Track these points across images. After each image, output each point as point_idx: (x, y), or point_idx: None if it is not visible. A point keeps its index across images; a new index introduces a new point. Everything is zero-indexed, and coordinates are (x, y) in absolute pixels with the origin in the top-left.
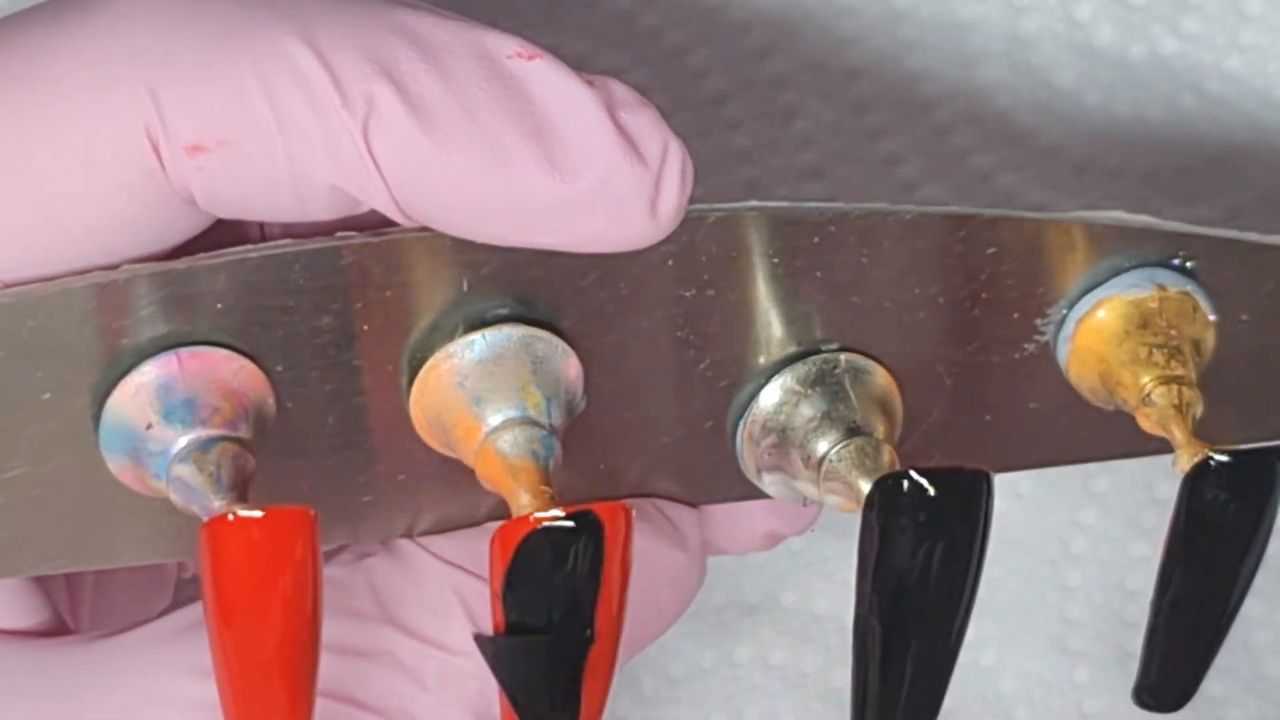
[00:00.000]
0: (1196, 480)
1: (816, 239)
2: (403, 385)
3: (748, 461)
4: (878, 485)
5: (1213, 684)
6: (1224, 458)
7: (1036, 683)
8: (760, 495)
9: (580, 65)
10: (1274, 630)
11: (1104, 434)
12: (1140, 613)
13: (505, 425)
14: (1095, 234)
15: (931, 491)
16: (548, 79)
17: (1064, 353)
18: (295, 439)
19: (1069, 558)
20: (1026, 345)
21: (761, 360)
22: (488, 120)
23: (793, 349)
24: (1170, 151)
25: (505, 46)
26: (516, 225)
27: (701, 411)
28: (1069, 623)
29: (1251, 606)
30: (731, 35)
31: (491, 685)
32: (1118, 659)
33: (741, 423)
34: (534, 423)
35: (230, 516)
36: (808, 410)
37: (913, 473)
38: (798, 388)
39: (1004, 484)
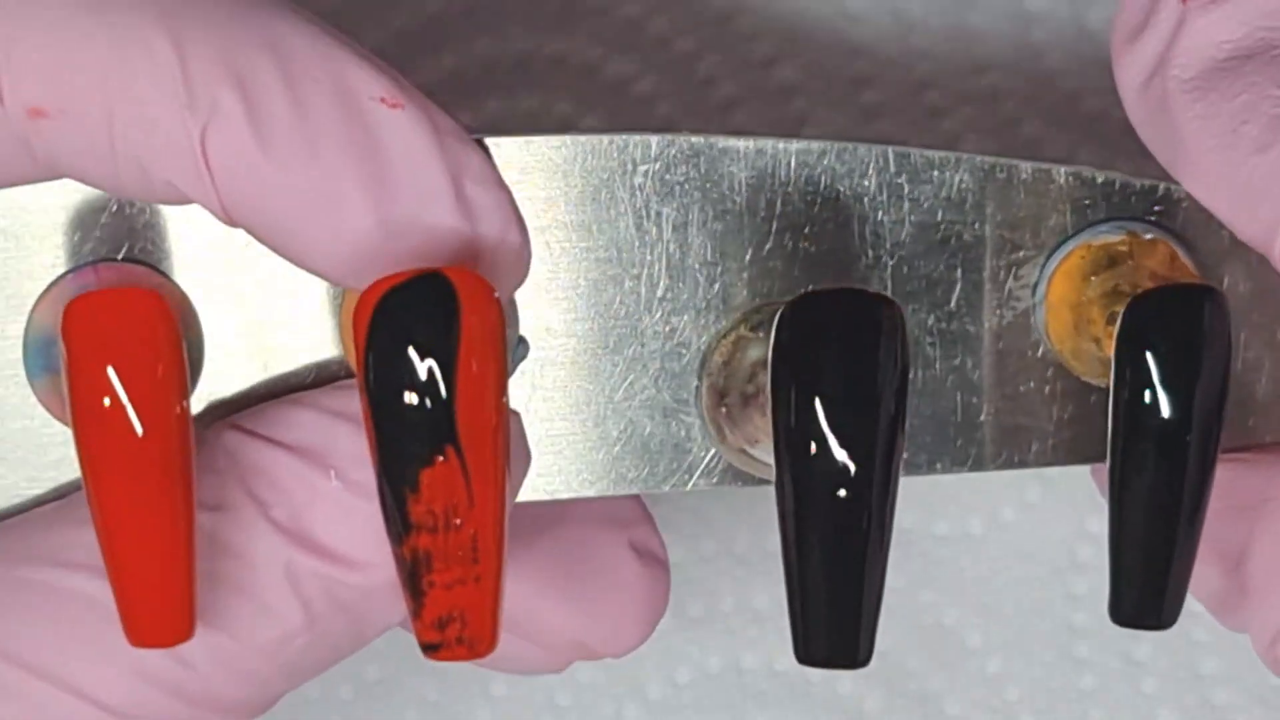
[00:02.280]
0: (1128, 318)
1: (753, 172)
2: (331, 299)
3: (713, 428)
4: (789, 306)
5: (1219, 692)
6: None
7: (1042, 690)
8: (740, 477)
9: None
10: None
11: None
12: None
13: None
14: (1060, 186)
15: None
16: (403, 131)
17: (1041, 316)
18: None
19: (1075, 566)
20: (1003, 313)
21: (713, 313)
22: (328, 155)
23: (745, 303)
24: None
25: (371, 87)
26: (336, 262)
27: (659, 374)
28: (1075, 631)
29: None
30: (740, 43)
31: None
32: (1123, 667)
33: (701, 383)
34: None
35: (85, 299)
36: (756, 352)
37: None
38: (748, 333)
39: (1011, 492)
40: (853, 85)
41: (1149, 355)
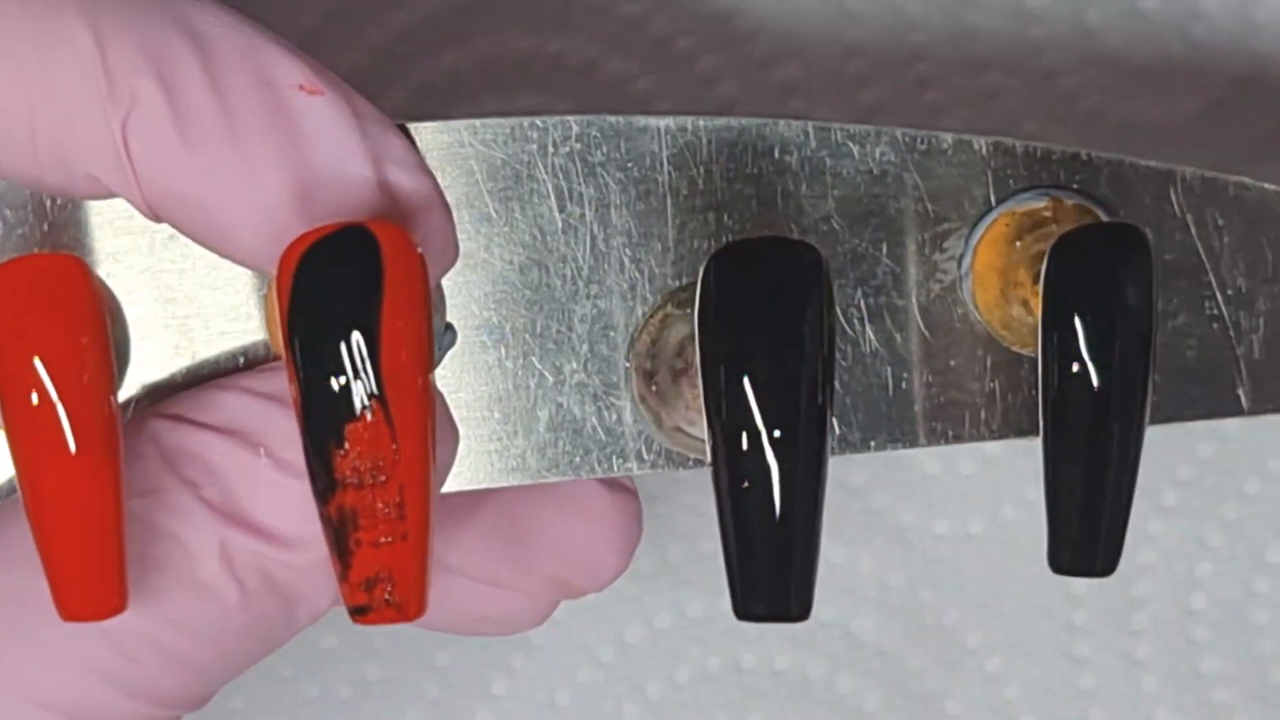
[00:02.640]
0: (1052, 260)
1: (672, 150)
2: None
3: (644, 408)
4: (712, 259)
5: (1218, 691)
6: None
7: (1042, 689)
8: (673, 460)
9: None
10: (1279, 639)
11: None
12: (1147, 620)
13: None
14: (981, 156)
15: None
16: (324, 118)
17: (968, 286)
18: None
19: None
20: (931, 285)
21: (639, 295)
22: (249, 143)
23: (671, 284)
24: (1179, 158)
25: (290, 75)
26: (257, 252)
27: (588, 359)
28: (1075, 630)
29: (1257, 614)
30: (740, 42)
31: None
32: (1123, 666)
33: (629, 365)
34: None
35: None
36: (683, 328)
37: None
38: (675, 310)
39: (1010, 490)
40: (852, 85)
41: (1074, 293)
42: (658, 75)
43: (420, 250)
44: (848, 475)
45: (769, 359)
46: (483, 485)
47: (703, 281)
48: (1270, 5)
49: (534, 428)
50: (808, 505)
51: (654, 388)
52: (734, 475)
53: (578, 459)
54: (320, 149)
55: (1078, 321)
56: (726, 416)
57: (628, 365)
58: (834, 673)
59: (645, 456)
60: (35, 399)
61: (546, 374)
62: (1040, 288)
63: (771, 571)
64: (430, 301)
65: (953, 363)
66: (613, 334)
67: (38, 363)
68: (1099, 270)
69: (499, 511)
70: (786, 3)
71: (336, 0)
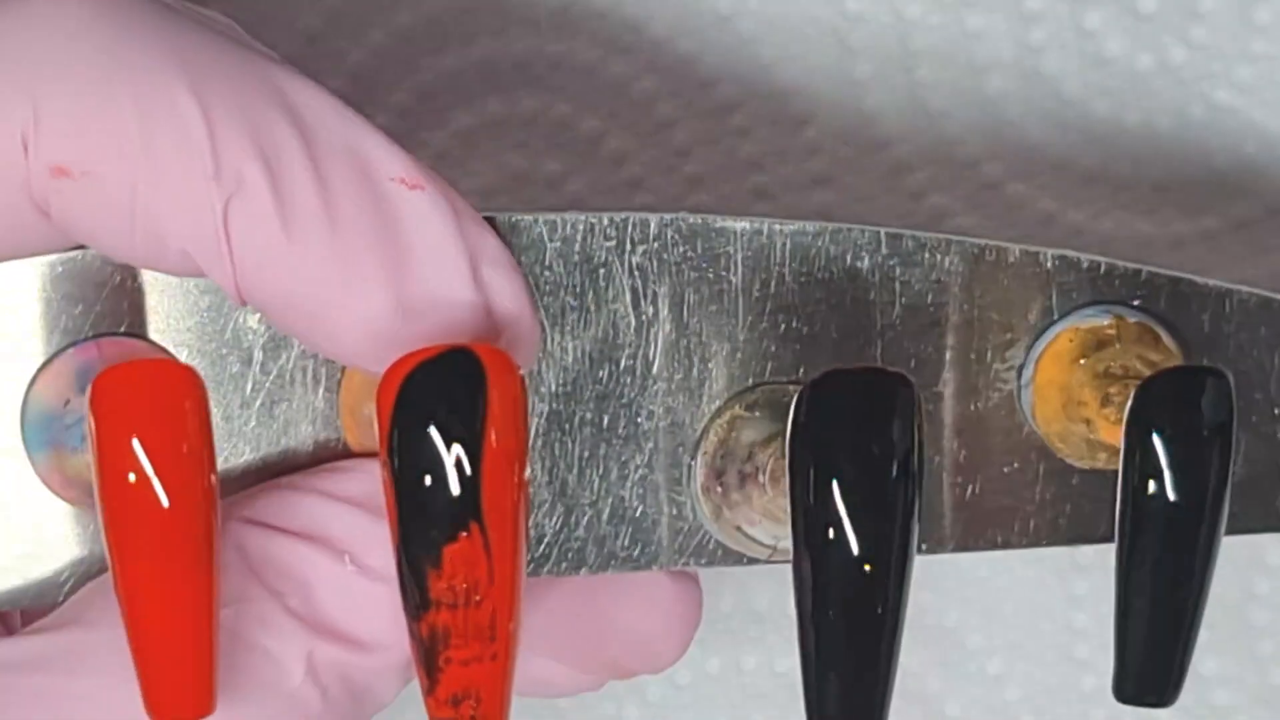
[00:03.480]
0: (1138, 401)
1: (748, 253)
2: (333, 380)
3: (707, 507)
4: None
5: (1219, 693)
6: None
7: (1042, 691)
8: (731, 556)
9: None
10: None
11: (1089, 511)
12: None
13: None
14: (1047, 269)
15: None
16: (422, 213)
17: (1027, 399)
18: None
19: (1076, 567)
20: (990, 394)
21: (707, 393)
22: (349, 235)
23: (739, 383)
24: (1179, 161)
25: (390, 167)
26: (348, 344)
27: (653, 454)
28: (1076, 631)
29: (1258, 615)
30: (741, 44)
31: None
32: None
33: (695, 463)
34: None
35: (117, 370)
36: (753, 433)
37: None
38: (743, 413)
39: None
40: (852, 86)
41: (1157, 438)
42: (659, 76)
43: (520, 371)
44: None
45: (860, 495)
46: (548, 574)
47: (795, 410)
48: (1271, 6)
49: (596, 520)
50: (891, 633)
51: (720, 488)
52: (819, 604)
53: (635, 553)
54: (418, 245)
55: (1157, 440)
56: (815, 554)
57: (692, 463)
58: None
59: (702, 552)
60: (142, 505)
61: (612, 468)
62: (1108, 413)
63: (854, 690)
64: (527, 426)
65: (1005, 470)
66: (679, 431)
67: (147, 467)
68: (1184, 417)
69: (568, 595)
70: (788, 5)
71: (338, 1)
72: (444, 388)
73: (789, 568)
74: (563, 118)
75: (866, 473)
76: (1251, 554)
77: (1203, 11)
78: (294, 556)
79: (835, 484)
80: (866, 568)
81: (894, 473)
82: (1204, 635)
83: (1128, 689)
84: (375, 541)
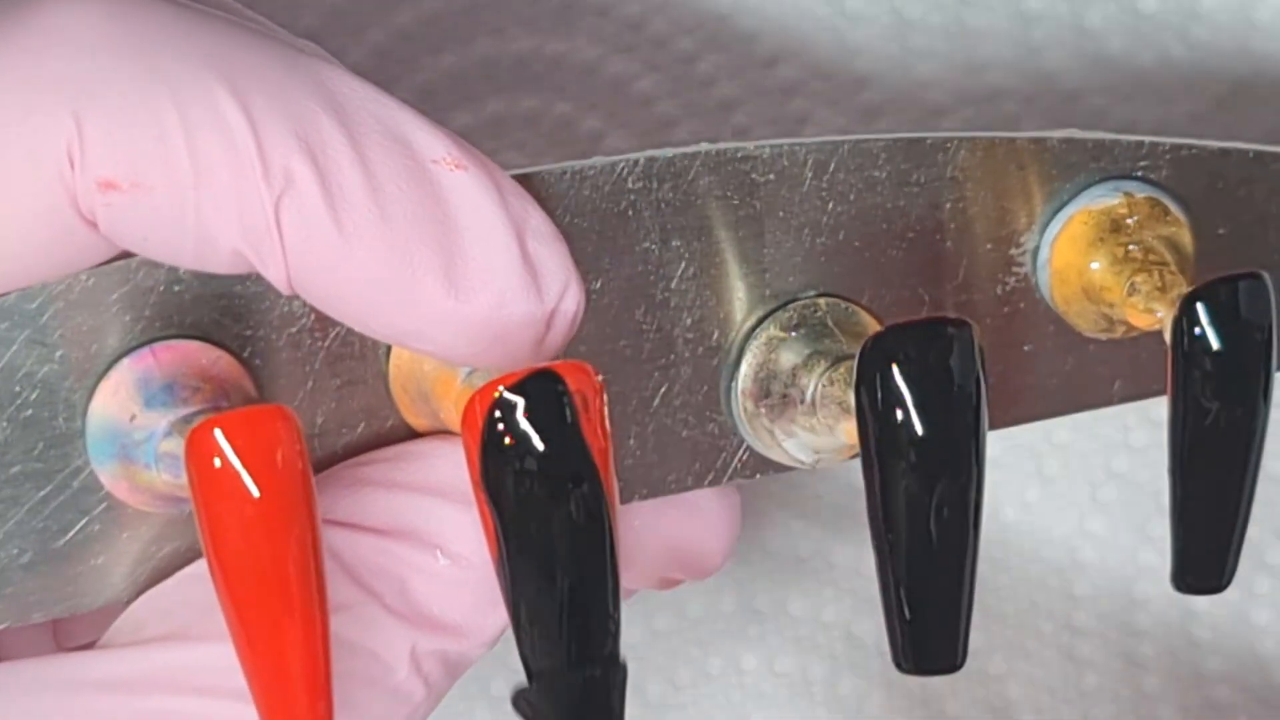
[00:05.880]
0: (1185, 307)
1: (771, 176)
2: (380, 360)
3: (749, 426)
4: (862, 351)
5: (1220, 691)
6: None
7: (1043, 690)
8: (772, 467)
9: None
10: None
11: (1106, 375)
12: (1148, 620)
13: (478, 371)
14: (1053, 152)
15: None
16: (467, 193)
17: (1044, 280)
18: None
19: (1076, 566)
20: (1006, 279)
21: (739, 315)
22: (399, 223)
23: (770, 302)
24: None
25: (433, 149)
26: (403, 328)
27: (691, 380)
28: (1076, 630)
29: (1258, 614)
30: (740, 42)
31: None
32: (1125, 667)
33: (735, 384)
34: None
35: (211, 425)
36: (792, 355)
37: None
38: (780, 333)
39: (1011, 492)
40: (853, 85)
41: (1212, 343)
42: (659, 75)
43: (598, 379)
44: (852, 475)
45: (935, 443)
46: None
47: (859, 365)
48: (1270, 5)
49: (641, 448)
50: (969, 564)
51: (762, 409)
52: (902, 541)
53: (682, 473)
54: (466, 227)
55: (1209, 363)
56: (891, 492)
57: (731, 385)
58: (835, 674)
59: (744, 468)
60: (254, 562)
61: (653, 397)
62: (1135, 301)
63: (939, 627)
64: (609, 434)
65: (1026, 349)
66: (715, 356)
67: (257, 529)
68: (1227, 310)
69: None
70: (787, 3)
71: (338, 1)
72: (531, 413)
73: (789, 569)
74: (563, 117)
75: (941, 420)
76: (1252, 554)
77: (1203, 11)
78: (386, 557)
79: (909, 443)
80: (944, 514)
81: (958, 406)
82: (1205, 635)
83: (1188, 579)
84: (462, 530)
